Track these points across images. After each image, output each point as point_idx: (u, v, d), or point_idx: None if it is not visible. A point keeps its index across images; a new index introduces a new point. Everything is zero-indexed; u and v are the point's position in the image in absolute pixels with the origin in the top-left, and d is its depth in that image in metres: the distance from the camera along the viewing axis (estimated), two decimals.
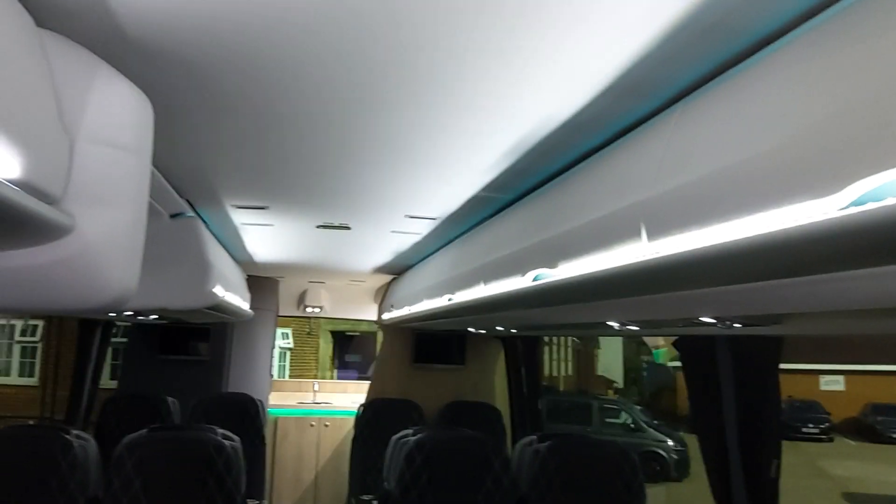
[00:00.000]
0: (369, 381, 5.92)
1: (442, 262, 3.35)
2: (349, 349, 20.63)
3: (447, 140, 1.89)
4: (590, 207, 1.45)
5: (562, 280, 1.57)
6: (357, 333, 20.17)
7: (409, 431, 3.30)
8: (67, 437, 2.67)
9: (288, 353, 18.84)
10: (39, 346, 16.00)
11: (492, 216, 2.62)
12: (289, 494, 6.02)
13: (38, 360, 16.03)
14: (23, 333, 17.30)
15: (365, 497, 4.43)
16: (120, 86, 1.19)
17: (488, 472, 3.00)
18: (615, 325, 2.19)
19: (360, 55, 1.35)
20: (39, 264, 1.05)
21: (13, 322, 17.27)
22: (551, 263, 1.62)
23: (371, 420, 5.28)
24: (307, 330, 19.58)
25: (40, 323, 16.00)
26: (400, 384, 5.68)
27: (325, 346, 20.25)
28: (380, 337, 19.80)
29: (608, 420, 17.99)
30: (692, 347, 2.63)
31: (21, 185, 0.93)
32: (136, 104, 1.21)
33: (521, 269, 1.83)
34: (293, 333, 19.18)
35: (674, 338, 2.82)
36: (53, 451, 2.61)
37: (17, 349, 17.26)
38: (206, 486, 2.65)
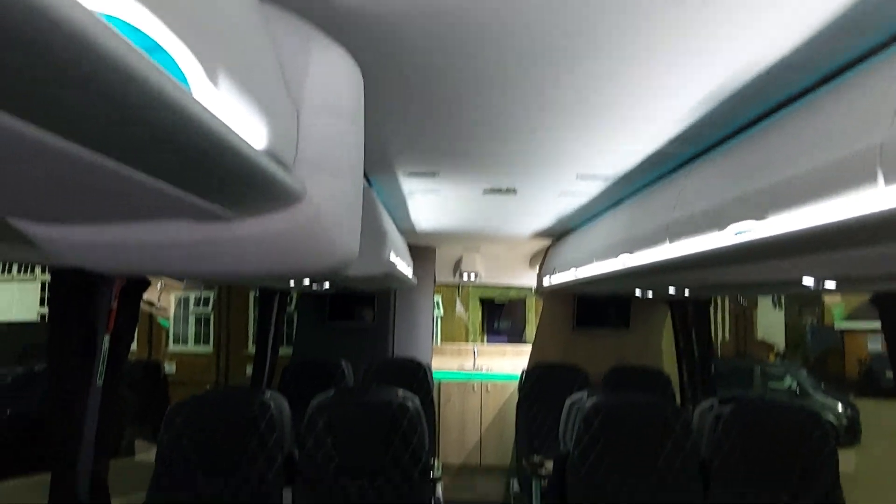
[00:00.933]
0: (524, 346, 5.94)
1: (613, 222, 3.28)
2: (498, 316, 20.78)
3: (631, 93, 1.83)
4: (808, 153, 1.36)
5: (772, 234, 1.49)
6: (506, 301, 20.28)
7: (583, 394, 3.29)
8: (264, 397, 2.84)
9: (439, 321, 19.26)
10: (212, 315, 17.16)
11: (673, 171, 2.53)
12: (456, 454, 6.17)
13: (211, 329, 17.19)
14: (196, 304, 18.55)
15: (534, 458, 4.46)
16: (336, 54, 1.22)
17: (668, 436, 2.93)
18: (810, 281, 2.07)
19: (545, 7, 1.32)
20: (277, 230, 1.10)
21: (188, 294, 18.51)
22: (758, 215, 1.54)
23: (535, 385, 5.30)
24: (456, 298, 19.89)
25: (212, 294, 17.12)
26: (562, 349, 5.66)
27: (474, 314, 20.50)
28: (529, 304, 19.76)
29: (771, 385, 17.19)
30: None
31: (265, 153, 0.97)
32: (351, 72, 1.24)
33: (720, 224, 1.75)
34: (443, 301, 19.55)
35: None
36: (252, 411, 2.78)
37: (192, 319, 18.57)
38: (392, 444, 2.75)
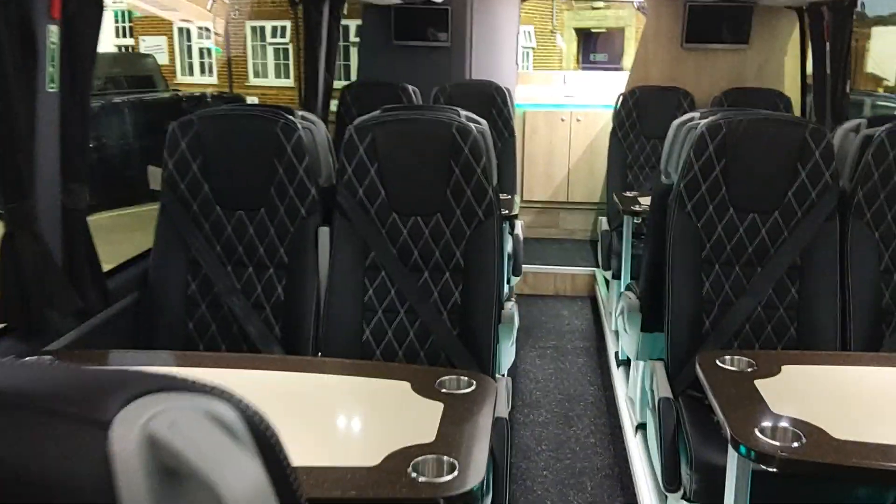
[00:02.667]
0: (622, 73, 5.15)
1: None
2: (594, 47, 19.41)
3: None
4: None
5: None
6: (603, 30, 18.80)
7: (695, 115, 2.61)
8: (290, 118, 2.29)
9: (530, 53, 18.05)
10: (290, 47, 16.49)
11: None
12: (541, 190, 5.68)
13: (290, 61, 16.66)
14: (273, 34, 17.88)
15: (627, 193, 3.90)
16: None
17: (804, 161, 2.28)
18: None
19: None
20: None
21: (262, 24, 17.80)
22: None
23: (633, 111, 4.61)
24: (550, 28, 18.53)
25: (288, 23, 16.33)
26: (667, 69, 4.87)
27: (569, 45, 19.16)
28: (629, 34, 18.49)
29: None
30: None
31: None
32: None
33: None
34: (535, 32, 18.23)
35: None
36: (276, 133, 2.25)
37: (269, 51, 18.02)
38: (452, 173, 2.20)
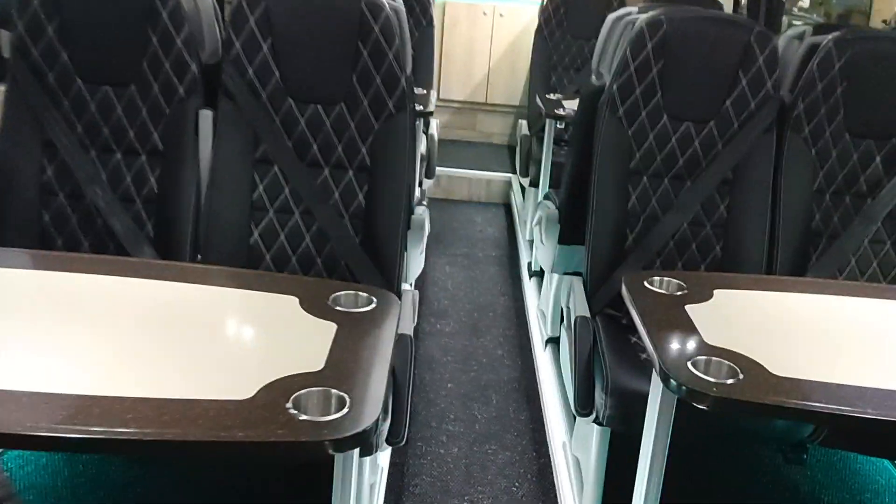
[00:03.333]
0: None
1: None
2: None
3: None
4: None
5: None
6: None
7: (632, 9, 2.38)
8: None
9: None
10: None
11: None
12: (459, 88, 5.39)
13: None
14: None
15: (551, 96, 3.68)
16: None
17: (746, 68, 2.10)
18: None
19: None
20: None
21: None
22: None
23: (559, 7, 4.34)
24: None
25: None
26: None
27: None
28: None
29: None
30: None
31: None
32: None
33: None
34: None
35: None
36: None
37: None
38: (360, 55, 1.92)
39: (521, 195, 4.53)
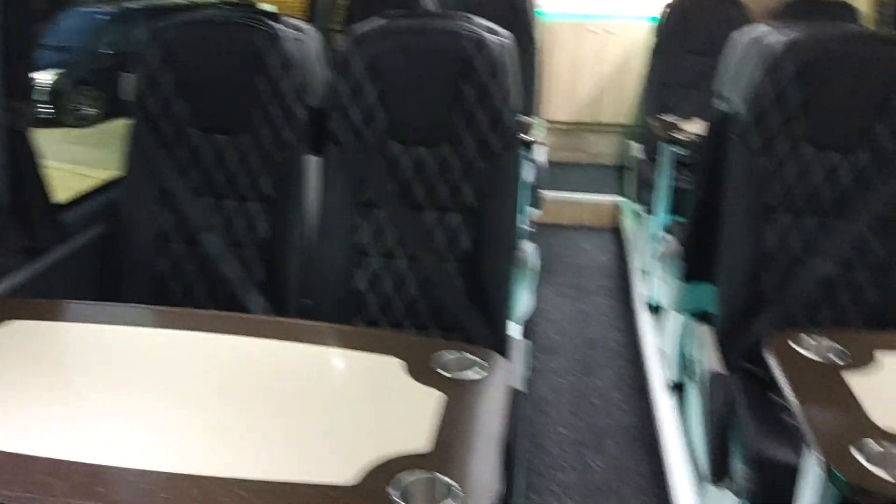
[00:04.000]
0: None
1: None
2: None
3: None
4: None
5: None
6: None
7: (764, 28, 2.18)
8: (274, 25, 1.91)
9: None
10: None
11: None
12: (564, 109, 5.23)
13: None
14: None
15: (667, 117, 3.47)
16: None
17: None
18: None
19: None
20: None
21: None
22: None
23: (678, 24, 4.13)
24: None
25: None
26: None
27: None
28: None
29: None
30: None
31: None
32: None
33: None
34: None
35: None
36: (255, 44, 1.87)
37: None
38: (462, 95, 1.82)
39: (631, 220, 4.32)
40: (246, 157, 1.92)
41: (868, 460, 1.03)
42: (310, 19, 3.52)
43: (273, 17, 2.05)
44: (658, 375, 2.86)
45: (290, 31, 1.98)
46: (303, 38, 2.00)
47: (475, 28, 1.89)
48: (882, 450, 1.05)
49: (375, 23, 1.95)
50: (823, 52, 1.88)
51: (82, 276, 1.95)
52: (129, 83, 1.99)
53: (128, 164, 1.95)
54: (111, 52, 9.34)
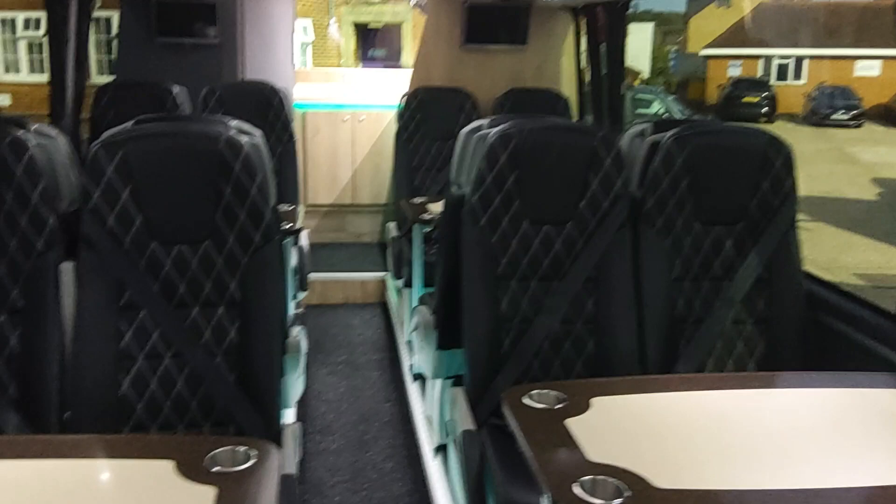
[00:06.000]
0: (406, 70, 5.03)
1: None
2: (373, 42, 19.33)
3: None
4: None
5: None
6: (381, 25, 18.77)
7: (483, 122, 2.49)
8: (20, 134, 1.89)
9: (309, 48, 17.61)
10: (45, 41, 14.97)
11: None
12: (325, 195, 5.42)
13: (45, 56, 15.13)
14: (25, 27, 16.26)
15: (416, 200, 3.76)
16: None
17: (595, 170, 2.23)
18: None
19: None
20: None
21: (13, 15, 16.19)
22: None
23: (416, 112, 4.49)
24: (326, 23, 18.19)
25: (43, 15, 14.85)
26: (448, 70, 4.80)
27: (347, 40, 18.94)
28: (406, 29, 18.69)
29: (640, 111, 17.09)
30: None
31: None
32: None
33: None
34: (314, 25, 17.81)
35: None
36: (2, 153, 1.84)
37: (22, 45, 16.29)
38: (222, 194, 1.91)
39: (395, 293, 4.55)
40: None
41: (585, 490, 1.24)
42: (53, 118, 3.43)
43: (19, 122, 2.02)
44: (425, 440, 3.04)
45: (36, 136, 1.97)
46: (47, 144, 1.99)
47: (229, 130, 2.00)
48: (595, 480, 1.27)
49: (127, 127, 1.99)
50: (526, 140, 2.20)
51: None
52: None
53: None
54: None
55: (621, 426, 1.52)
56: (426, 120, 4.48)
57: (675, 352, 2.23)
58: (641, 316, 2.23)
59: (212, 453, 1.33)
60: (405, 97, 4.60)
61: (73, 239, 1.91)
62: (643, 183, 2.30)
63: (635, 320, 2.22)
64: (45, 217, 1.87)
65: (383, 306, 4.87)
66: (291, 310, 3.30)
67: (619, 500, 1.22)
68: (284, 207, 3.52)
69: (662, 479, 1.28)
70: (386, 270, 4.90)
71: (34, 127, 2.08)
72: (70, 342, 1.87)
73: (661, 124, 2.43)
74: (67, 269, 1.90)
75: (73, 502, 1.25)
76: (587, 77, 4.34)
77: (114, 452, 1.42)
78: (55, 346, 1.86)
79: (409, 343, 3.82)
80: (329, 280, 4.88)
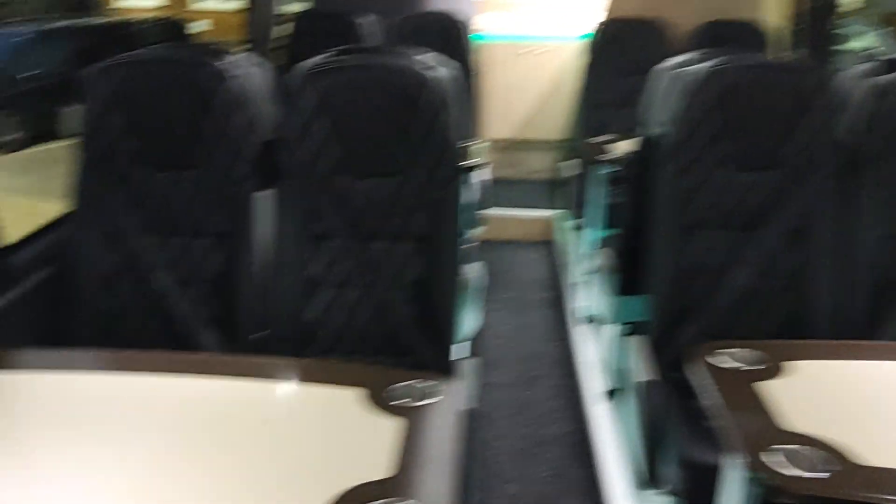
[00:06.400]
0: None
1: None
2: None
3: None
4: None
5: None
6: None
7: (681, 59, 2.34)
8: (216, 64, 1.97)
9: None
10: None
11: None
12: (498, 130, 5.36)
13: None
14: None
15: (600, 138, 3.62)
16: None
17: (806, 113, 2.04)
18: None
19: None
20: None
21: None
22: None
23: (608, 45, 4.30)
24: None
25: None
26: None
27: None
28: None
29: (847, 46, 15.44)
30: None
31: None
32: None
33: None
34: None
35: None
36: (198, 84, 1.93)
37: None
38: (410, 128, 1.92)
39: (566, 233, 4.48)
40: (196, 194, 1.97)
41: (776, 461, 1.17)
42: (249, 44, 3.58)
43: (220, 53, 2.11)
44: (593, 381, 2.99)
45: (238, 67, 2.05)
46: (250, 74, 2.07)
47: (419, 65, 2.00)
48: (790, 449, 1.19)
49: (325, 59, 2.03)
50: (739, 79, 2.04)
51: (31, 321, 1.95)
52: (71, 118, 2.02)
53: (75, 201, 1.97)
54: (33, 74, 9.05)
55: (819, 394, 1.41)
56: (617, 54, 4.28)
57: (885, 316, 2.03)
58: (848, 275, 2.04)
59: (398, 385, 1.36)
60: (599, 26, 4.42)
61: (270, 167, 1.99)
62: (861, 129, 2.08)
63: (839, 278, 2.04)
64: (244, 146, 1.96)
65: (549, 245, 4.82)
66: (470, 245, 3.33)
67: (818, 475, 1.13)
68: (468, 142, 3.52)
69: (866, 455, 1.18)
70: (555, 209, 4.82)
71: (234, 57, 2.16)
72: (263, 267, 1.97)
73: (880, 67, 2.18)
74: (264, 196, 1.98)
75: (263, 424, 1.31)
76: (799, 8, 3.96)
77: (302, 376, 1.49)
78: (251, 270, 1.96)
79: (577, 285, 3.76)
80: (499, 216, 4.88)
